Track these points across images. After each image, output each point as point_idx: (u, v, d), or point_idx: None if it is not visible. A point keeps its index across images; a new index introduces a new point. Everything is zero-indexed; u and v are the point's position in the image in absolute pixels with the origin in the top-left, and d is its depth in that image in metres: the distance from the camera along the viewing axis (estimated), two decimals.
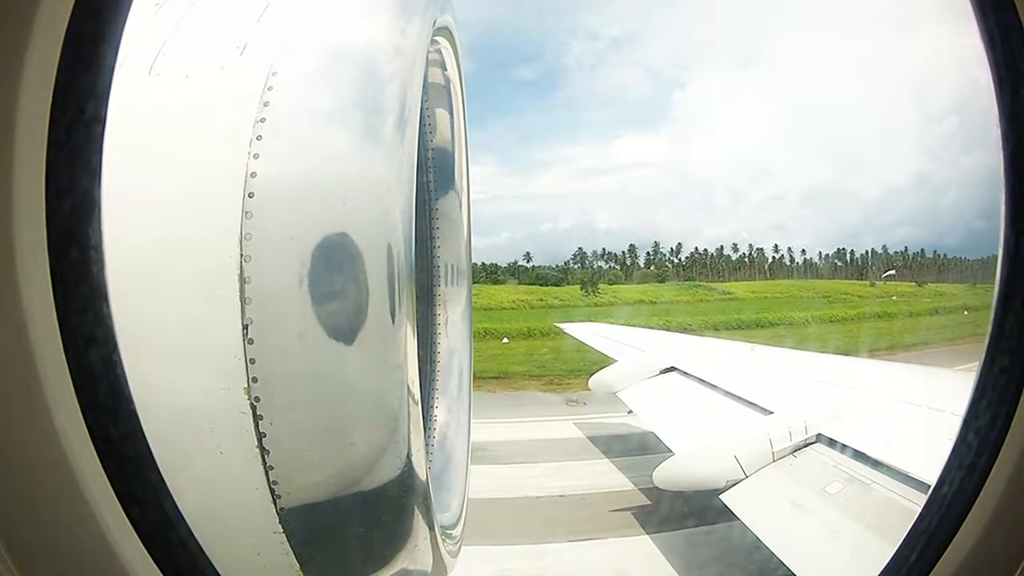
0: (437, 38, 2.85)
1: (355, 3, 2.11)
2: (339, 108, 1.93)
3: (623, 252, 44.14)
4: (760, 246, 45.74)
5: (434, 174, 3.68)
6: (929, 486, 1.33)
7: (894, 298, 39.73)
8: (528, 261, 41.04)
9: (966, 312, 33.51)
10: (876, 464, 5.90)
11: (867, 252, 45.85)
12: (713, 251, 45.39)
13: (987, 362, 1.22)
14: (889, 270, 43.92)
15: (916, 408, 6.91)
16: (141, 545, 1.06)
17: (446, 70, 3.35)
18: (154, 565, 1.08)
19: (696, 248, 45.29)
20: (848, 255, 46.03)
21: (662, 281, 42.00)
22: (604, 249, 44.15)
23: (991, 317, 1.23)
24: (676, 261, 45.08)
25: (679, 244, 45.26)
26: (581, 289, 38.08)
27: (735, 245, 45.51)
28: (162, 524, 1.12)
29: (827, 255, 46.08)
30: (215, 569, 1.24)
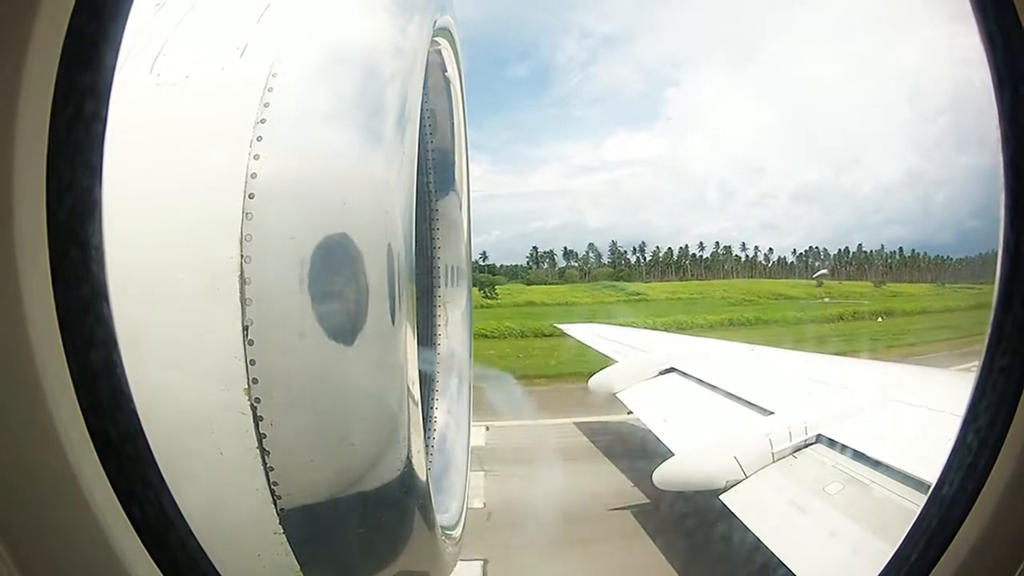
0: (437, 38, 2.85)
1: (355, 3, 2.11)
2: (339, 108, 1.93)
3: (584, 251, 43.96)
4: (727, 244, 45.46)
5: (434, 175, 3.68)
6: (929, 486, 1.33)
7: (825, 299, 38.55)
8: (484, 260, 40.12)
9: (880, 319, 32.49)
10: (876, 464, 5.90)
11: (840, 250, 45.56)
12: (677, 250, 45.12)
13: (987, 362, 1.22)
14: (821, 269, 43.23)
15: (915, 408, 6.91)
16: (141, 545, 1.06)
17: (446, 71, 3.35)
18: (154, 565, 1.08)
19: (657, 247, 44.99)
20: (822, 253, 45.69)
21: (586, 282, 41.26)
22: (566, 248, 43.88)
23: (991, 317, 1.23)
24: (638, 260, 44.90)
25: (642, 243, 44.94)
26: (479, 290, 37.15)
27: (701, 243, 45.19)
28: (162, 524, 1.12)
29: (801, 253, 45.81)
30: (215, 569, 1.24)
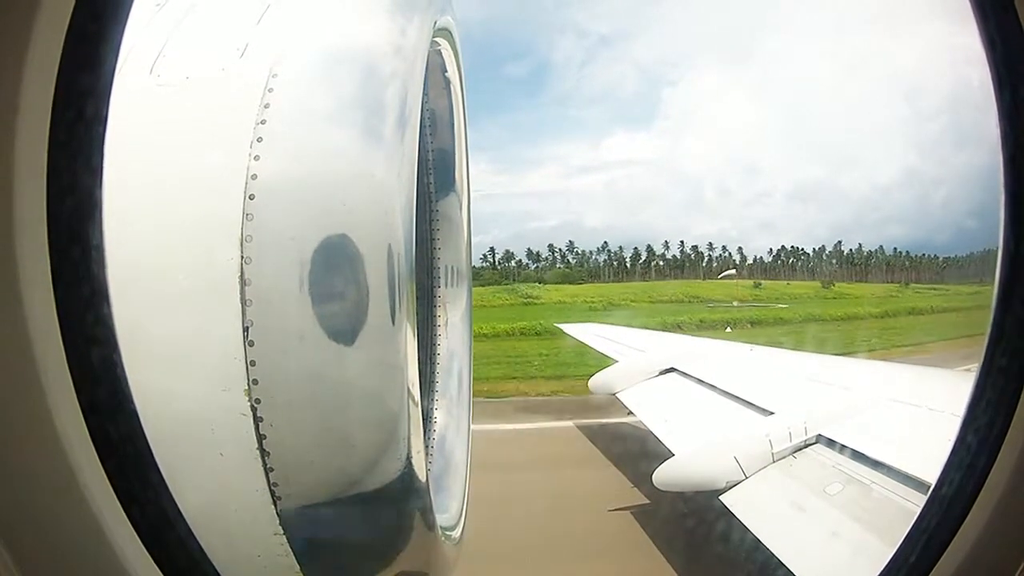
0: (437, 39, 2.85)
1: (355, 4, 2.11)
2: (339, 109, 1.93)
3: (545, 252, 44.06)
4: (694, 244, 45.40)
5: (435, 175, 3.68)
6: (929, 486, 1.33)
7: (734, 304, 36.93)
8: None
9: (728, 329, 30.55)
10: (876, 464, 5.90)
11: (815, 249, 45.46)
12: (645, 250, 45.11)
13: (987, 362, 1.22)
14: (728, 269, 42.63)
15: (915, 408, 6.91)
16: (141, 545, 1.06)
17: (446, 71, 3.36)
18: (154, 565, 1.08)
19: (620, 247, 44.93)
20: (799, 253, 45.57)
21: (498, 284, 40.59)
22: (529, 249, 44.11)
23: (991, 317, 1.23)
24: (600, 261, 45.00)
25: (605, 242, 45.06)
26: None
27: (666, 243, 45.24)
28: (162, 524, 1.12)
29: (777, 252, 45.86)
30: (215, 569, 1.24)
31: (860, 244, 44.94)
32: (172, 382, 1.76)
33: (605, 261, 44.95)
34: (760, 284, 41.45)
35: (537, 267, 43.66)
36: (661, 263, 44.96)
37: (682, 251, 45.26)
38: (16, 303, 0.91)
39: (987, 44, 1.14)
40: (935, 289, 38.42)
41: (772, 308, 35.86)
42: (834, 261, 45.04)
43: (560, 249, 44.35)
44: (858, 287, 41.15)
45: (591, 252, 44.74)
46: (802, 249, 45.69)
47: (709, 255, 45.30)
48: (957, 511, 1.23)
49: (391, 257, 1.86)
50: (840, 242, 45.18)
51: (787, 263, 45.41)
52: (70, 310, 0.97)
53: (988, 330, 1.23)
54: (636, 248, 45.06)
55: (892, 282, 41.75)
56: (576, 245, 44.45)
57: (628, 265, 45.03)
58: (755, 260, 45.28)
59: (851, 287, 41.21)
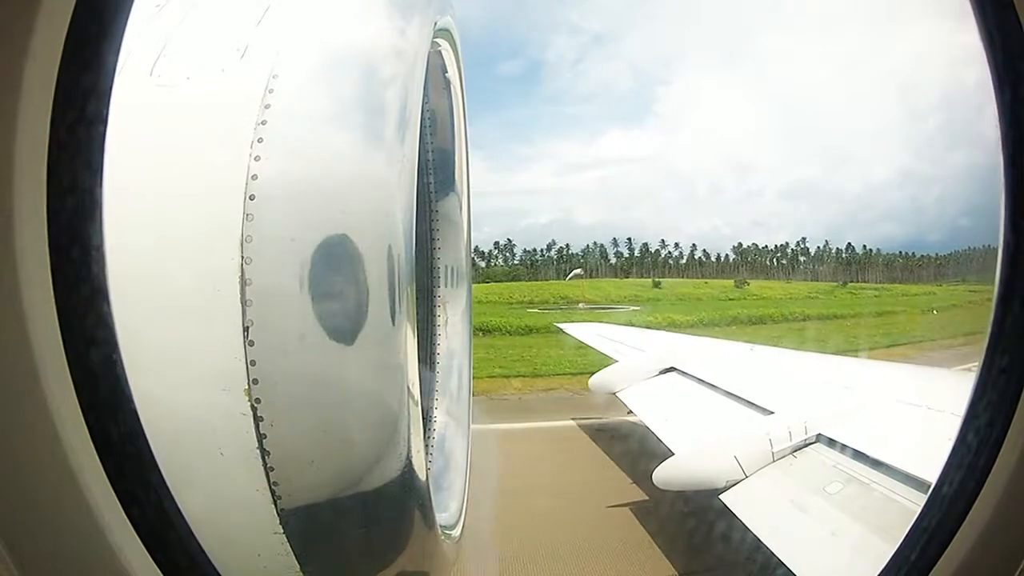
0: (438, 39, 2.85)
1: (355, 5, 2.11)
2: (340, 110, 1.93)
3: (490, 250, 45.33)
4: (645, 241, 46.63)
5: (435, 175, 3.69)
6: (929, 486, 1.33)
7: (580, 306, 34.94)
8: None
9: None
10: (876, 464, 5.89)
11: (776, 246, 45.88)
12: (598, 248, 45.98)
13: (987, 362, 1.22)
14: (576, 269, 42.92)
15: (916, 408, 6.91)
16: (141, 545, 1.06)
17: (447, 71, 3.36)
18: (154, 565, 1.08)
19: (567, 244, 46.05)
20: (761, 251, 46.29)
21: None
22: (476, 247, 44.40)
23: (991, 317, 1.23)
24: (547, 257, 46.11)
25: (553, 240, 46.56)
26: None
27: (615, 240, 46.27)
28: (162, 524, 1.12)
29: (739, 249, 46.72)
30: (215, 569, 1.24)
31: (826, 241, 45.67)
32: (172, 382, 1.76)
33: (552, 260, 46.04)
34: (659, 283, 41.07)
35: (486, 265, 44.53)
36: (615, 261, 45.81)
37: (630, 249, 46.25)
38: (16, 303, 0.91)
39: (987, 43, 1.14)
40: (876, 289, 37.45)
41: (613, 311, 33.44)
42: (801, 259, 45.40)
43: (504, 248, 45.58)
44: (785, 286, 40.27)
45: (542, 250, 45.93)
46: (766, 247, 46.45)
47: (668, 253, 46.41)
48: (957, 510, 1.23)
49: (391, 257, 1.86)
50: (804, 239, 45.73)
51: (746, 261, 45.91)
52: (70, 310, 0.97)
53: (988, 329, 1.23)
54: (588, 246, 46.17)
55: (834, 281, 41.04)
56: (515, 243, 46.23)
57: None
58: (718, 258, 46.27)
59: (771, 287, 40.23)
